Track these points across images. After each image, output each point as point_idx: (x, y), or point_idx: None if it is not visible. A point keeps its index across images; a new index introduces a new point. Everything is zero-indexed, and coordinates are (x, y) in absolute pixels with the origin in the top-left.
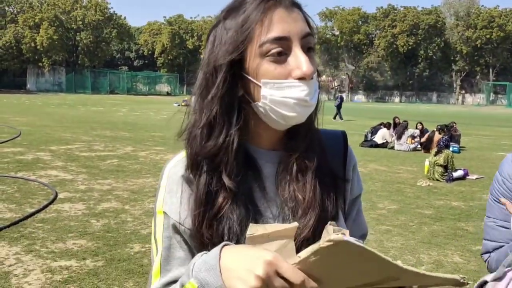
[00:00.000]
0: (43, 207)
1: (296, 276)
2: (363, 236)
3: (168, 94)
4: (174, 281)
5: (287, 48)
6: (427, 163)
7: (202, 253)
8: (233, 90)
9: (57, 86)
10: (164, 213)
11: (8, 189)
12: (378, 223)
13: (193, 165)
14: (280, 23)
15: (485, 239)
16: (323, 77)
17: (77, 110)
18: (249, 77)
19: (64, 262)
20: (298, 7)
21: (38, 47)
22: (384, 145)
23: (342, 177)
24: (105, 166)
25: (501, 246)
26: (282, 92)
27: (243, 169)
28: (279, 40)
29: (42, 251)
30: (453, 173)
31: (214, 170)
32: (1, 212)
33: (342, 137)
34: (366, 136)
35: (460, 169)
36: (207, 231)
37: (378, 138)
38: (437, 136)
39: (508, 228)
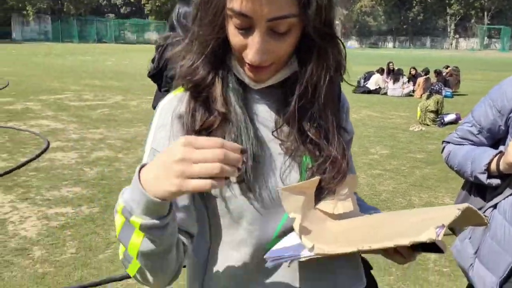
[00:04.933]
0: (36, 156)
1: (214, 141)
2: None
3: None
4: None
5: (249, 25)
6: (419, 108)
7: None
8: (223, 27)
9: (43, 35)
10: (152, 149)
11: None
12: (370, 168)
13: (185, 89)
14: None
15: (455, 133)
16: None
17: (64, 59)
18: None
19: (59, 209)
20: None
21: None
22: (377, 91)
23: (338, 122)
24: (96, 115)
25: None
26: (236, 64)
27: (235, 99)
28: (240, 15)
29: (37, 199)
30: (445, 117)
31: (205, 99)
32: None
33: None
34: (359, 82)
35: (452, 113)
36: None
37: (371, 84)
38: (431, 80)
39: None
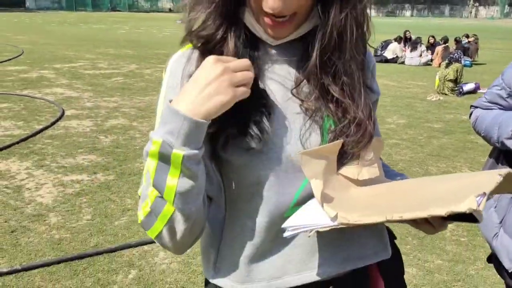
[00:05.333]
0: (51, 123)
1: (244, 62)
2: None
3: (170, 10)
4: None
5: None
6: (437, 77)
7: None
8: None
9: (57, 3)
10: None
11: (14, 107)
12: (387, 137)
13: (194, 46)
14: None
15: (483, 97)
16: None
17: (78, 28)
18: None
19: (75, 176)
20: None
21: None
22: (394, 60)
23: (365, 81)
24: (110, 83)
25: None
26: (250, 19)
27: (249, 56)
28: None
29: (52, 166)
30: (464, 86)
31: (216, 51)
32: (9, 129)
33: None
34: (376, 51)
35: (471, 83)
36: None
37: (389, 53)
38: (451, 49)
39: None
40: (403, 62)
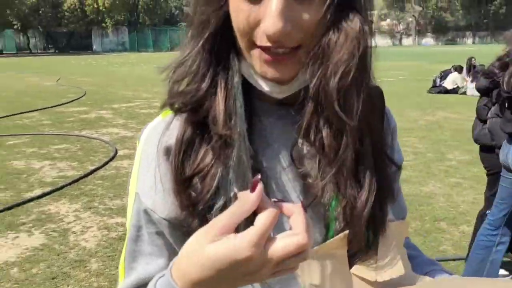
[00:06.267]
0: (103, 164)
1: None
2: (403, 219)
3: None
4: (142, 284)
5: None
6: None
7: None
8: (224, 22)
9: (120, 45)
10: (137, 194)
11: (72, 147)
12: (447, 175)
13: (174, 110)
14: None
15: None
16: (387, 21)
17: (139, 68)
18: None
19: (120, 219)
20: None
21: (101, 7)
22: (455, 91)
23: (381, 148)
24: None
25: None
26: (246, 65)
27: (240, 115)
28: None
29: (100, 208)
30: None
31: (200, 122)
32: (64, 169)
33: (379, 94)
34: (434, 82)
35: None
36: (185, 198)
37: (448, 83)
38: None
39: None
40: (464, 93)
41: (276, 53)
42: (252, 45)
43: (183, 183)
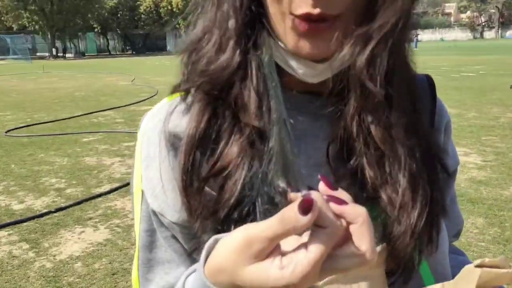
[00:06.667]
0: None
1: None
2: (457, 234)
3: None
4: None
5: None
6: None
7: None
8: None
9: None
10: (143, 192)
11: None
12: None
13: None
14: None
15: None
16: (468, 13)
17: None
18: None
19: None
20: None
21: (174, 9)
22: None
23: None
24: None
25: None
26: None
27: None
28: None
29: None
30: None
31: (221, 109)
32: (132, 166)
33: (427, 84)
34: None
35: None
36: (196, 198)
37: None
38: None
39: None
40: None
41: (316, 21)
42: (286, 14)
43: (196, 185)
